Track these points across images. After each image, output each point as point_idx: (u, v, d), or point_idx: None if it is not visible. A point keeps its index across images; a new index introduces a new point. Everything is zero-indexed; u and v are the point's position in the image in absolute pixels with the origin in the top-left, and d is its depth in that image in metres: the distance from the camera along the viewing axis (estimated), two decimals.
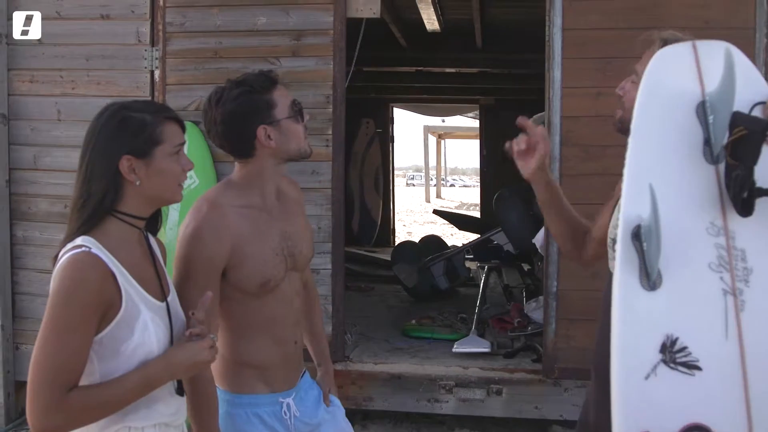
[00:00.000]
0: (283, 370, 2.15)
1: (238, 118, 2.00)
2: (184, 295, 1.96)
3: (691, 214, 1.47)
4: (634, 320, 1.41)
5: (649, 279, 1.42)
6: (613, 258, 1.93)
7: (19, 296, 4.47)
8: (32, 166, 4.41)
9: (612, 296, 1.44)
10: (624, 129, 1.93)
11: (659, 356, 1.40)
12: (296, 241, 2.15)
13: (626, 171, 1.49)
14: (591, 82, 3.80)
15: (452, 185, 44.00)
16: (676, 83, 1.53)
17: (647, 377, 1.39)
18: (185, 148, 1.80)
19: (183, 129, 1.80)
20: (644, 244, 1.40)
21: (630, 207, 1.45)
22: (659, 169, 1.48)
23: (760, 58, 3.68)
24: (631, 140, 1.49)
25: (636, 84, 1.88)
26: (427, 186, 29.58)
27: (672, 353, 1.41)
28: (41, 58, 4.37)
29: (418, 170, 46.60)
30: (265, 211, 2.10)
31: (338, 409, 2.35)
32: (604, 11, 3.86)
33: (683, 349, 1.41)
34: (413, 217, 19.85)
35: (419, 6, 6.18)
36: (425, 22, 6.83)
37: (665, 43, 1.86)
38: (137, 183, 1.70)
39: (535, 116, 6.43)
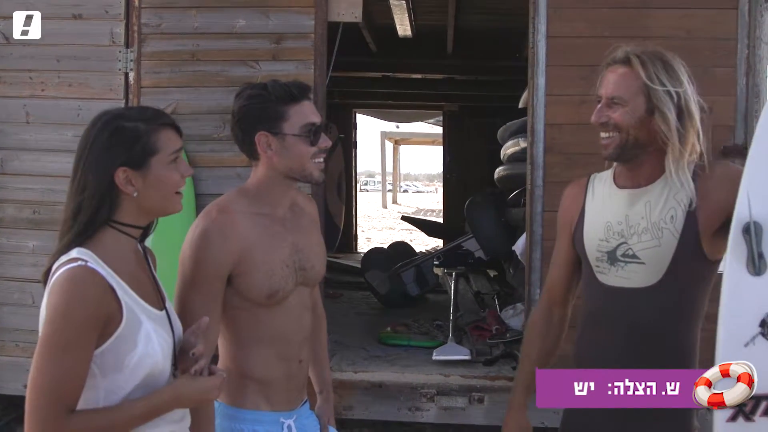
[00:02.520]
0: (285, 388, 2.09)
1: (243, 118, 2.02)
2: (187, 300, 1.93)
3: None
4: (739, 299, 1.75)
5: (755, 266, 1.75)
6: (601, 271, 2.01)
7: None
8: None
9: (723, 278, 1.77)
10: (627, 153, 1.95)
11: (758, 329, 1.73)
12: (308, 254, 2.11)
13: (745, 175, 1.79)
14: (575, 90, 3.80)
15: (405, 191, 44.13)
16: None
17: (746, 345, 1.72)
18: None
19: (180, 134, 1.77)
20: (753, 237, 1.75)
21: (742, 208, 1.78)
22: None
23: (742, 68, 3.73)
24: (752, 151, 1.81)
25: (620, 105, 1.92)
26: (384, 192, 29.62)
27: None
28: (9, 58, 4.20)
29: (370, 175, 46.56)
30: (277, 222, 2.07)
31: None
32: (589, 19, 3.86)
33: None
34: (371, 223, 19.82)
35: (394, 12, 6.16)
36: (398, 27, 6.80)
37: (638, 57, 1.88)
38: (134, 194, 1.66)
39: (507, 124, 6.46)
